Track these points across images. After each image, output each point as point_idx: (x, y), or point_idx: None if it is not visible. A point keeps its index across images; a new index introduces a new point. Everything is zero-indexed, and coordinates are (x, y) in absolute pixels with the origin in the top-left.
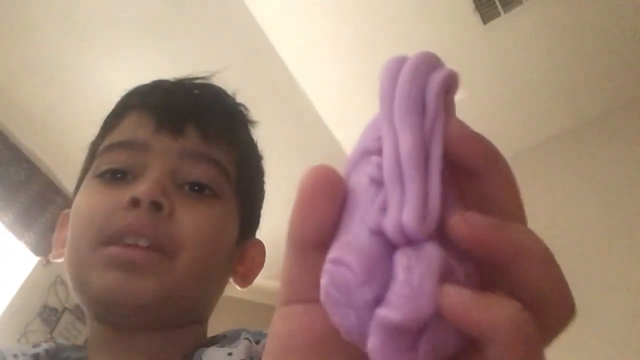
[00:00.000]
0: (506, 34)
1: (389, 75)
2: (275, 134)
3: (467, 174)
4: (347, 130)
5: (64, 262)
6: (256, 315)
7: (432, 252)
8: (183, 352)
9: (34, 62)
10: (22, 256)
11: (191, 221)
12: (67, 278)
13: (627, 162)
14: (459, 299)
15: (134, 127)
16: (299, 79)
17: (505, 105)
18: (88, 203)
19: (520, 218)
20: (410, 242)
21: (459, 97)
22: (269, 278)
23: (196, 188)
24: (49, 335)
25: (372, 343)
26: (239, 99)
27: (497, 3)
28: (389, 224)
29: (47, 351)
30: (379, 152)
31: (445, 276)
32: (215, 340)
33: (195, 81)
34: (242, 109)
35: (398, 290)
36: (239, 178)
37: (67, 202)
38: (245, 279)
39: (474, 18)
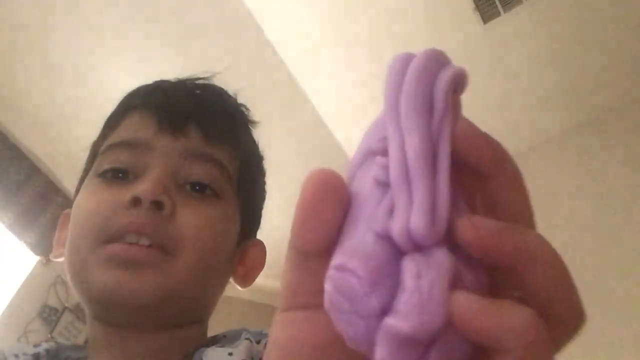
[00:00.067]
0: (506, 34)
1: (395, 73)
2: (275, 135)
3: (475, 175)
4: (347, 131)
5: (64, 261)
6: (257, 315)
7: (441, 258)
8: (183, 352)
9: (35, 62)
10: (22, 256)
11: (192, 221)
12: (68, 278)
13: (627, 162)
14: (470, 305)
15: (135, 127)
16: (299, 79)
17: (504, 105)
18: (89, 202)
19: (529, 222)
20: (418, 247)
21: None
22: (270, 278)
23: (197, 188)
24: (49, 335)
25: (380, 354)
26: (240, 99)
27: (497, 3)
28: (396, 229)
29: (47, 351)
30: (384, 152)
31: (455, 282)
32: (216, 340)
33: (197, 81)
34: (243, 109)
35: (407, 299)
36: (240, 178)
37: (67, 202)
38: (246, 279)
39: (474, 18)
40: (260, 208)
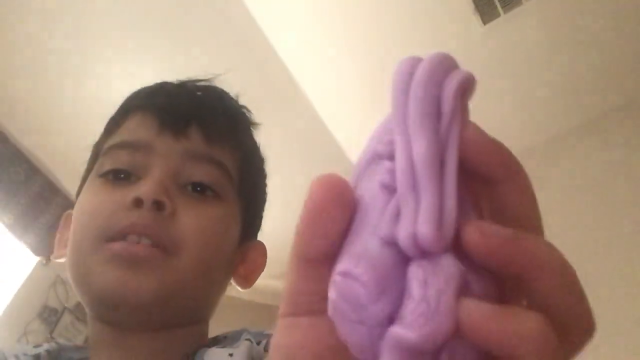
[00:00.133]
0: (506, 34)
1: (402, 76)
2: (276, 136)
3: (482, 180)
4: (348, 132)
5: (66, 261)
6: (257, 315)
7: (449, 265)
8: (184, 352)
9: (35, 62)
10: (22, 256)
11: (193, 221)
12: (69, 278)
13: (628, 162)
14: (480, 312)
15: (137, 128)
16: (299, 81)
17: (504, 106)
18: (91, 203)
19: (537, 229)
20: (424, 253)
21: None
22: (271, 278)
23: (198, 189)
24: (49, 336)
25: None
26: (241, 101)
27: (497, 3)
28: (403, 235)
29: (48, 352)
30: (390, 156)
31: (462, 290)
32: (217, 341)
33: (198, 83)
34: (245, 110)
35: (414, 307)
36: (242, 179)
37: (67, 202)
38: (247, 280)
39: (474, 19)
40: (261, 209)
